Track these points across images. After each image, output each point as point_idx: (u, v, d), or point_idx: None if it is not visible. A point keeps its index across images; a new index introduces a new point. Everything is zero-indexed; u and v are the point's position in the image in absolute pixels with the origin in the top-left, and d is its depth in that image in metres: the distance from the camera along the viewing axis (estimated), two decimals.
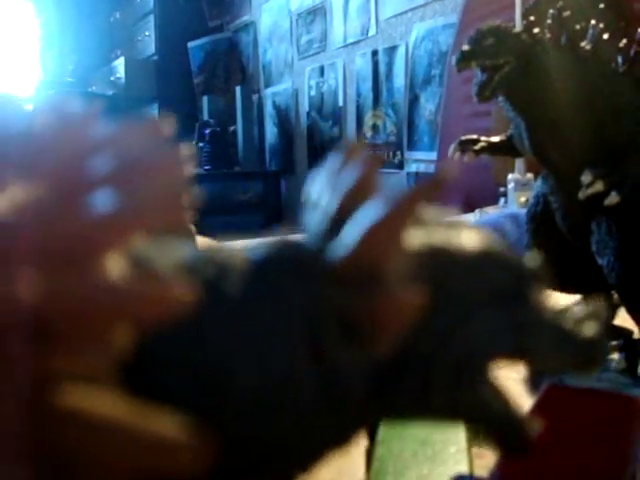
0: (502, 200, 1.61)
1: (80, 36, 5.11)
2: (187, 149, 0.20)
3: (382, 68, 2.81)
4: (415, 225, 0.25)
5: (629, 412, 0.33)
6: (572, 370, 0.29)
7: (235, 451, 0.21)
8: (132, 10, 4.72)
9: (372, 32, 2.88)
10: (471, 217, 1.48)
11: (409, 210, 0.22)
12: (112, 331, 0.18)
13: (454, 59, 0.46)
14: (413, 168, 2.64)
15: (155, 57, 4.46)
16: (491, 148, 0.55)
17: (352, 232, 0.22)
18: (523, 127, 0.49)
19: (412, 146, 2.64)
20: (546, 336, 0.27)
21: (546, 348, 0.27)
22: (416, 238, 0.24)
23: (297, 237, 0.24)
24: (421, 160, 2.59)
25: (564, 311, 0.28)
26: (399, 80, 2.70)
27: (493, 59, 0.45)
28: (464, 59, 0.45)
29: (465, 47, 0.45)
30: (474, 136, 0.56)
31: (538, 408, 0.33)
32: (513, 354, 0.26)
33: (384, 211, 0.22)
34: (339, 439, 0.24)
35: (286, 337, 0.21)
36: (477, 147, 0.55)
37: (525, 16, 1.53)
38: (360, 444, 0.38)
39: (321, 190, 0.26)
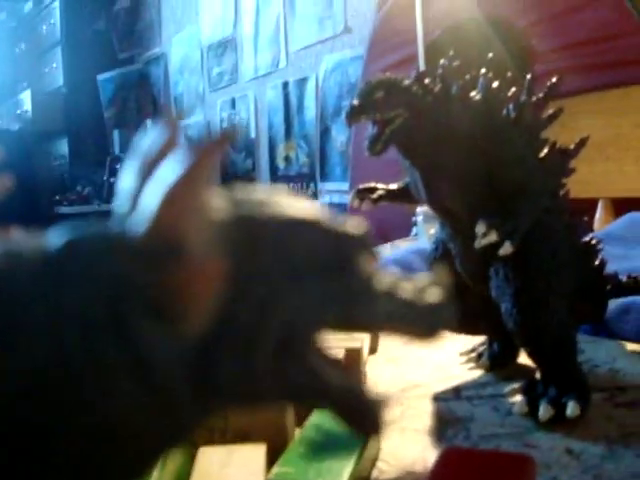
0: (414, 229, 1.63)
1: None
2: None
3: (293, 100, 2.83)
4: (222, 196, 0.24)
5: (524, 471, 0.32)
6: (419, 337, 0.29)
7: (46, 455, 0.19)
8: (38, 41, 4.60)
9: (282, 64, 2.90)
10: (384, 249, 1.49)
11: (199, 173, 0.21)
12: None
13: (344, 114, 0.45)
14: (327, 199, 2.66)
15: (63, 89, 4.35)
16: (389, 196, 0.55)
17: (148, 205, 0.21)
18: (418, 177, 0.50)
19: (325, 177, 2.66)
20: (378, 305, 0.26)
21: (380, 317, 0.27)
22: (225, 208, 0.23)
23: (100, 222, 0.22)
24: (334, 191, 2.61)
25: (404, 279, 0.28)
26: (310, 112, 2.73)
27: (383, 113, 0.45)
28: (354, 114, 0.44)
29: (355, 101, 0.45)
30: (372, 184, 0.56)
31: (435, 473, 0.32)
32: (343, 323, 0.26)
33: (175, 178, 0.21)
34: (171, 436, 0.23)
35: (86, 321, 0.19)
36: (375, 196, 0.55)
37: (427, 51, 1.57)
38: None
39: (129, 175, 0.24)
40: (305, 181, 2.80)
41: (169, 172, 0.21)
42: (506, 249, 0.46)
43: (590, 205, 1.47)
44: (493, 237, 0.45)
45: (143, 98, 4.16)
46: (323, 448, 0.41)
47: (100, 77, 4.23)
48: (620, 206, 1.42)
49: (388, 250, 1.40)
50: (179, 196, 0.21)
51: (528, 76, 0.52)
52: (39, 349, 0.19)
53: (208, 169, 0.21)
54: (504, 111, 0.51)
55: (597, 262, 0.56)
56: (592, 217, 1.47)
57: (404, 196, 0.55)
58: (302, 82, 2.77)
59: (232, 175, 3.34)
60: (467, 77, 0.50)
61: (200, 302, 0.21)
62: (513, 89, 0.51)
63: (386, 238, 1.73)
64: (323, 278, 0.25)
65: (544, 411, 0.48)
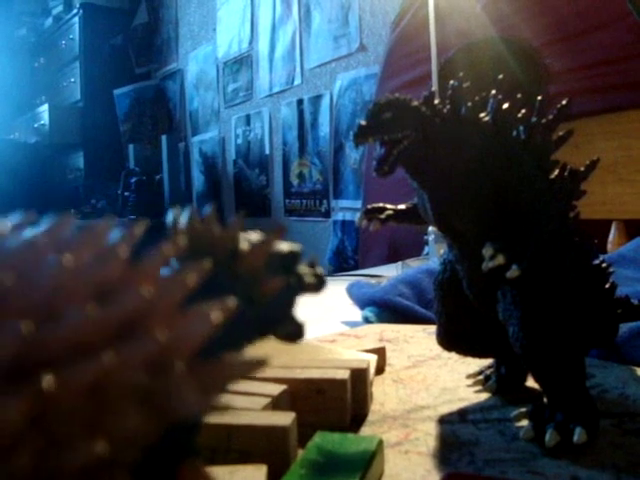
0: (426, 248, 1.62)
1: (2, 81, 5.01)
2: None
3: (307, 117, 2.84)
4: None
5: None
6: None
7: None
8: (57, 56, 4.66)
9: (297, 81, 2.91)
10: (394, 268, 1.48)
11: None
12: None
13: (351, 134, 0.45)
14: (340, 216, 2.66)
15: (80, 104, 4.40)
16: (397, 216, 0.55)
17: None
18: (426, 198, 0.49)
19: (338, 194, 2.67)
20: None
21: None
22: None
23: None
24: (347, 208, 2.61)
25: None
26: (324, 129, 2.73)
27: (391, 133, 0.45)
28: (361, 135, 0.44)
29: (363, 122, 0.45)
30: (380, 204, 0.56)
31: None
32: None
33: None
34: None
35: None
36: (383, 216, 0.55)
37: (441, 69, 1.57)
38: None
39: None
40: (318, 198, 2.80)
41: None
42: (513, 273, 0.45)
43: (603, 226, 1.46)
44: (500, 260, 0.45)
45: (159, 113, 4.19)
46: (325, 470, 0.40)
47: (116, 92, 4.26)
48: (633, 228, 1.41)
49: (399, 270, 1.40)
50: None
51: (539, 98, 0.52)
52: None
53: None
54: (514, 133, 0.50)
55: (607, 285, 0.55)
56: (605, 239, 1.46)
57: (413, 217, 0.55)
58: (317, 99, 2.78)
59: (246, 191, 3.35)
60: (477, 98, 0.50)
61: None
62: (523, 111, 0.51)
63: (398, 257, 1.72)
64: None
65: (550, 437, 0.47)
